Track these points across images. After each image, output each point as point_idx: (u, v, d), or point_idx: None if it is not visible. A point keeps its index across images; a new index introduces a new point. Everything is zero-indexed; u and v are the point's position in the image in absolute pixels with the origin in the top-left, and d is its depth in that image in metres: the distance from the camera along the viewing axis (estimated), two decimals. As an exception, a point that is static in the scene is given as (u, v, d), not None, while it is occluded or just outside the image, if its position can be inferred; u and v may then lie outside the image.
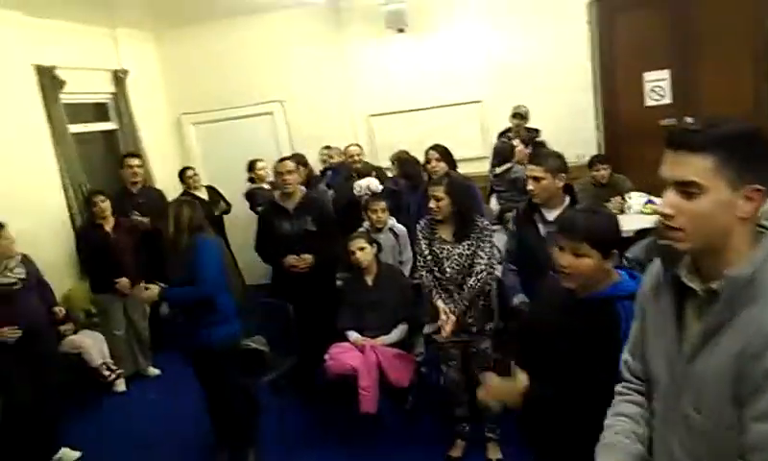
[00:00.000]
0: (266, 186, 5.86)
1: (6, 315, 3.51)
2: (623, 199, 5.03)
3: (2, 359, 3.45)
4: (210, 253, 3.36)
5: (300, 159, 5.17)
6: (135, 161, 5.33)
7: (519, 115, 5.51)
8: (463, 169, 4.70)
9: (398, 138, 6.12)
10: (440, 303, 3.17)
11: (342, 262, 4.09)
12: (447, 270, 3.18)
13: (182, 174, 5.95)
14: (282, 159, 4.19)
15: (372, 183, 5.09)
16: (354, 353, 3.55)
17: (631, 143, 5.74)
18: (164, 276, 3.42)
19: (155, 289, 3.31)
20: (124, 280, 4.74)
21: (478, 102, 6.31)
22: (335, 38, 6.56)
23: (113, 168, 6.18)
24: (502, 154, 5.32)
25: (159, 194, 5.56)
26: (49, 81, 5.13)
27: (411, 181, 4.84)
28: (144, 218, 5.08)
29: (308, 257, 4.01)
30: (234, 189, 6.14)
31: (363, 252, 3.72)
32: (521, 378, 2.04)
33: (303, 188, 4.28)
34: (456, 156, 4.57)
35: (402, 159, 5.17)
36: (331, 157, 6.25)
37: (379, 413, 3.51)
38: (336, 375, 3.51)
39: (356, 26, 6.47)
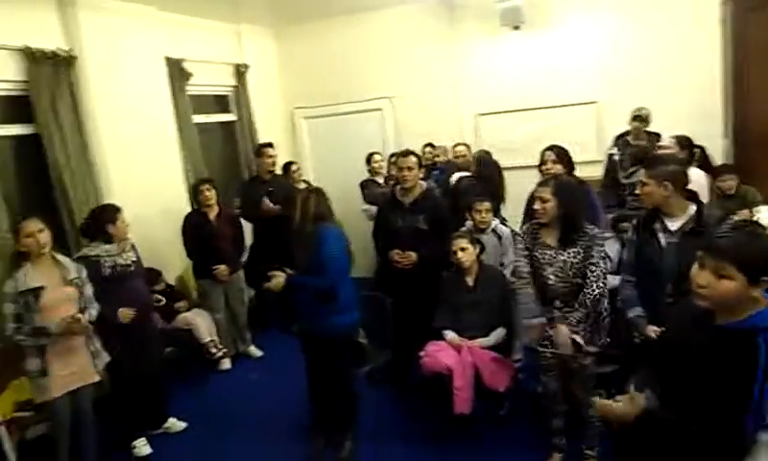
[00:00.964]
0: (379, 180, 5.97)
1: (120, 295, 3.75)
2: (751, 212, 4.62)
3: (112, 336, 3.71)
4: (334, 242, 3.45)
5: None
6: (272, 151, 5.58)
7: (640, 118, 5.20)
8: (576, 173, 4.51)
9: (506, 138, 5.99)
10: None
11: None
12: (550, 278, 3.04)
13: (287, 167, 6.15)
14: (405, 154, 4.13)
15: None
16: (450, 352, 3.51)
17: (762, 151, 5.28)
18: (291, 262, 3.53)
19: (281, 277, 3.42)
20: (222, 268, 4.95)
21: (593, 102, 6.04)
22: (448, 36, 6.53)
23: (230, 157, 6.54)
24: (635, 157, 5.04)
25: (289, 183, 5.77)
26: (177, 73, 5.49)
27: (483, 182, 4.76)
28: (273, 205, 5.29)
29: (411, 255, 3.96)
30: (338, 184, 6.23)
31: (465, 252, 3.67)
32: (638, 398, 1.92)
33: (424, 184, 4.18)
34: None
35: (482, 159, 5.13)
36: (436, 155, 6.24)
37: (473, 415, 3.45)
38: (431, 372, 3.49)
39: (470, 23, 6.40)
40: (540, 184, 3.15)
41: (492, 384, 3.45)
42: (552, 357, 3.12)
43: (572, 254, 3.00)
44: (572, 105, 6.10)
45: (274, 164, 5.56)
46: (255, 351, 5.39)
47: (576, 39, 6.05)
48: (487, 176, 4.85)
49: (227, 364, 5.15)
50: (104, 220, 3.82)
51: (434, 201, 4.12)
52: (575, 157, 3.97)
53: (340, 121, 7.03)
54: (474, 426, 3.61)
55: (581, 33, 6.02)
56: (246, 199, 5.29)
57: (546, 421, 3.30)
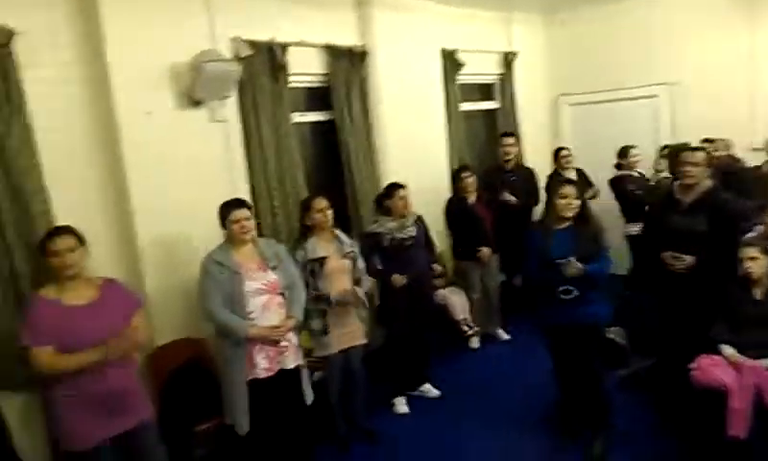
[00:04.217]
0: (635, 174, 5.63)
1: (397, 265, 4.18)
2: None
3: (392, 299, 4.13)
4: None
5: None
6: (509, 140, 5.69)
7: None
8: None
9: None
10: None
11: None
12: None
13: (557, 153, 6.07)
14: (693, 149, 3.87)
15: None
16: (727, 369, 3.21)
17: None
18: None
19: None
20: (486, 251, 5.13)
21: None
22: (744, 21, 5.83)
23: (490, 145, 6.71)
24: None
25: (530, 173, 5.82)
26: (450, 63, 5.80)
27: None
28: (511, 197, 5.39)
29: (687, 259, 3.64)
30: (601, 174, 6.00)
31: (755, 261, 3.30)
32: None
33: (709, 183, 3.82)
34: None
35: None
36: (716, 149, 5.60)
37: (748, 440, 3.12)
38: (702, 387, 3.24)
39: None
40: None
41: (777, 411, 3.08)
42: None
43: None
44: None
45: (508, 154, 5.63)
46: (502, 334, 5.52)
47: None
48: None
49: (476, 343, 5.37)
50: (382, 195, 4.37)
51: (718, 201, 3.72)
52: None
53: (608, 108, 6.72)
54: (749, 454, 3.25)
55: None
56: (485, 187, 5.40)
57: None
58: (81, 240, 2.80)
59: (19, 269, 3.24)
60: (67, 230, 2.79)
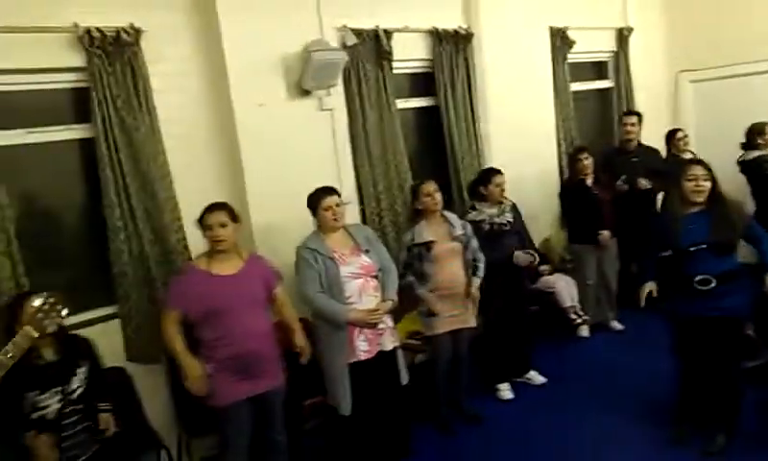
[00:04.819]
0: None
1: (493, 250, 4.11)
2: None
3: (488, 286, 4.09)
4: None
5: None
6: (632, 119, 5.39)
7: None
8: None
9: None
10: None
11: None
12: None
13: (671, 135, 5.69)
14: None
15: None
16: None
17: None
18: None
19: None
20: (606, 233, 4.91)
21: None
22: None
23: (604, 126, 6.42)
24: None
25: (655, 153, 5.49)
26: (560, 41, 5.61)
27: None
28: (644, 182, 5.11)
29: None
30: (725, 157, 5.52)
31: None
32: None
33: None
34: None
35: None
36: None
37: None
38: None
39: None
40: None
41: None
42: None
43: None
44: None
45: (630, 134, 5.33)
46: (616, 325, 5.28)
47: None
48: None
49: (585, 332, 5.18)
50: (479, 181, 4.31)
51: None
52: None
53: (734, 84, 6.19)
54: None
55: None
56: (604, 170, 5.15)
57: None
58: (234, 217, 3.05)
59: (148, 251, 3.56)
60: (222, 207, 3.04)
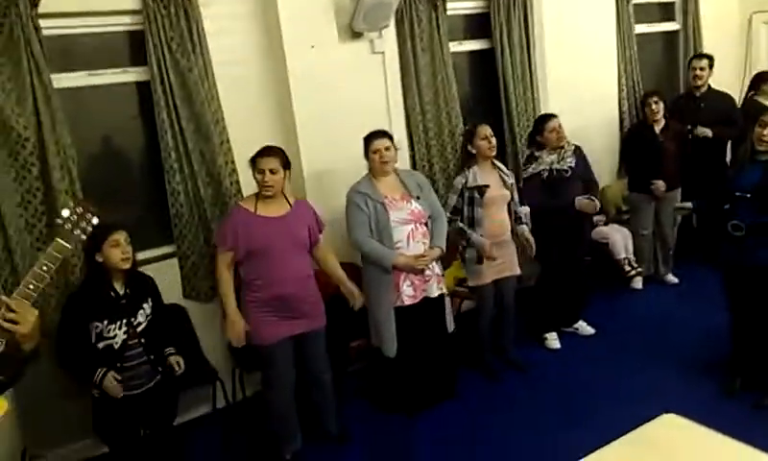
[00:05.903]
0: None
1: (553, 197, 4.03)
2: None
3: (547, 234, 4.03)
4: None
5: None
6: (701, 63, 5.09)
7: None
8: None
9: None
10: None
11: None
12: None
13: (758, 79, 5.32)
14: None
15: None
16: None
17: None
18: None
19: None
20: (660, 183, 4.73)
21: None
22: None
23: (669, 70, 6.11)
24: None
25: (728, 99, 5.20)
26: (624, -19, 5.31)
27: None
28: (706, 131, 4.89)
29: None
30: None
31: None
32: None
33: None
34: None
35: None
36: None
37: None
38: None
39: None
40: None
41: None
42: None
43: None
44: None
45: (699, 79, 5.04)
46: (671, 278, 5.14)
47: None
48: None
49: (638, 284, 5.07)
50: (534, 130, 4.21)
51: None
52: None
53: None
54: None
55: None
56: (671, 116, 4.93)
57: None
58: (285, 163, 3.10)
59: (203, 192, 3.64)
60: (275, 152, 3.08)
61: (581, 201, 4.08)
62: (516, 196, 3.90)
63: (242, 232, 3.01)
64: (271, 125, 3.88)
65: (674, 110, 5.00)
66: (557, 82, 4.98)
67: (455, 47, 4.68)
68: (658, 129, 4.76)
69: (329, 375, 3.35)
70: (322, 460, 3.34)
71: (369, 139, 3.43)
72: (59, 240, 1.78)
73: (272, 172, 3.01)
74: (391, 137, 3.49)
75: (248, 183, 3.49)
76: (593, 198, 4.14)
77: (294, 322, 3.09)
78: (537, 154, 4.13)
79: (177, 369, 2.91)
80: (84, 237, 1.84)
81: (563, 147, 4.11)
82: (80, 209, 1.84)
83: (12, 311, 1.64)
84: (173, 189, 3.58)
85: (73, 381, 2.92)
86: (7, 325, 1.63)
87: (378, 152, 3.38)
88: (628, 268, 5.01)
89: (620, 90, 5.44)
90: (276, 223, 3.06)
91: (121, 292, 2.79)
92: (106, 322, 2.72)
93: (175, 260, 3.69)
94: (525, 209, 3.96)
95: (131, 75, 3.59)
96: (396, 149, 3.50)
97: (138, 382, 2.82)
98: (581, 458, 1.67)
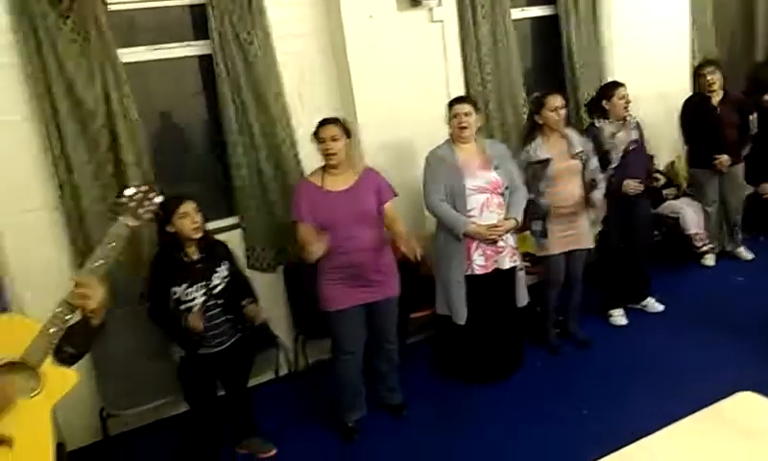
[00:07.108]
0: None
1: (618, 170, 3.88)
2: None
3: (607, 208, 3.90)
4: None
5: None
6: None
7: None
8: None
9: None
10: None
11: None
12: None
13: None
14: None
15: None
16: None
17: None
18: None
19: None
20: (724, 158, 4.49)
21: None
22: None
23: (745, 35, 5.74)
24: None
25: None
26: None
27: None
28: None
29: None
30: None
31: None
32: None
33: None
34: None
35: None
36: None
37: None
38: None
39: None
40: None
41: None
42: None
43: None
44: None
45: None
46: (745, 254, 4.90)
47: None
48: None
49: (710, 260, 4.86)
50: (601, 95, 4.00)
51: None
52: None
53: None
54: None
55: None
56: (752, 83, 4.63)
57: None
58: (347, 132, 3.11)
59: (264, 166, 3.69)
60: (334, 121, 3.11)
61: (628, 183, 3.87)
62: (592, 163, 3.70)
63: (308, 207, 3.04)
64: (330, 97, 3.87)
65: (754, 82, 4.70)
66: (626, 49, 4.76)
67: (517, 13, 4.53)
68: (715, 101, 4.49)
69: (396, 344, 3.36)
70: (383, 428, 3.35)
71: (450, 104, 3.42)
72: (121, 219, 1.80)
73: (333, 139, 3.02)
74: (474, 103, 3.46)
75: (307, 156, 3.51)
76: (641, 180, 3.93)
77: (365, 290, 3.12)
78: (598, 125, 3.95)
79: (253, 316, 2.97)
80: (147, 217, 1.87)
81: (626, 119, 3.94)
82: (144, 188, 1.87)
83: (82, 287, 1.67)
84: (235, 162, 3.63)
85: (149, 343, 3.04)
86: (77, 301, 1.66)
87: (457, 116, 3.35)
88: (699, 243, 4.78)
89: (693, 57, 5.16)
90: (341, 197, 3.08)
91: (195, 258, 2.88)
92: (184, 286, 2.82)
93: (238, 231, 3.75)
94: (602, 179, 3.78)
95: (193, 49, 3.63)
96: (478, 116, 3.43)
97: (219, 341, 2.92)
98: (652, 434, 1.61)
